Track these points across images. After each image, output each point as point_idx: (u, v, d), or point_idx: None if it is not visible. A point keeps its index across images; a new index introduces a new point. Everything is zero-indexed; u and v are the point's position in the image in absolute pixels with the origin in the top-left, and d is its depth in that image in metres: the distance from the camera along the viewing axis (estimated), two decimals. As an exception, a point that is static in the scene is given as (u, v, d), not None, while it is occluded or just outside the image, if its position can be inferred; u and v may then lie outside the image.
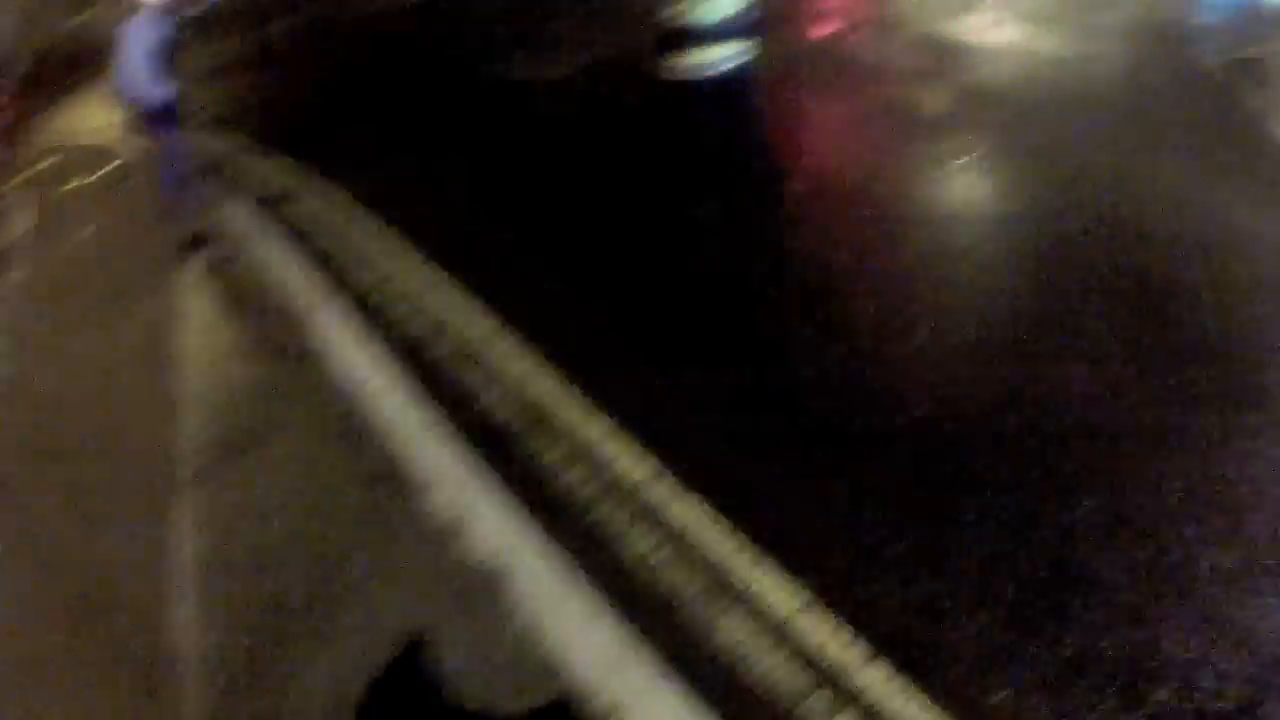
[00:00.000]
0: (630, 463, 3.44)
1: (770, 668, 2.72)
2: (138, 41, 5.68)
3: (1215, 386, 3.94)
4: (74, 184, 9.17)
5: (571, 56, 7.75)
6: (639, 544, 3.14)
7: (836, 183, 5.56)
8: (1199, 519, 3.07)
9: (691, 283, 4.44)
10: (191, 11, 13.01)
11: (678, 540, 3.14)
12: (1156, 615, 2.76)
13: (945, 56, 7.78)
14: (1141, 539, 3.01)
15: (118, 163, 9.01)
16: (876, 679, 2.64)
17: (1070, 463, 3.44)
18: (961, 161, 6.12)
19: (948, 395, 3.82)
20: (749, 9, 4.46)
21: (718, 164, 5.04)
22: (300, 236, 6.02)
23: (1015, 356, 4.19)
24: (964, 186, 5.96)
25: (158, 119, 5.94)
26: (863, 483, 3.26)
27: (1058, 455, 3.48)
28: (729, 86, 4.61)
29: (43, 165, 10.37)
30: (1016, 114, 7.11)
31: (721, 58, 4.49)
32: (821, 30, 7.54)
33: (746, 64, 4.71)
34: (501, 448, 3.67)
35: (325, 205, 6.36)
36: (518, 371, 4.09)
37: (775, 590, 2.94)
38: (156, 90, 5.77)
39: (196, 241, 6.11)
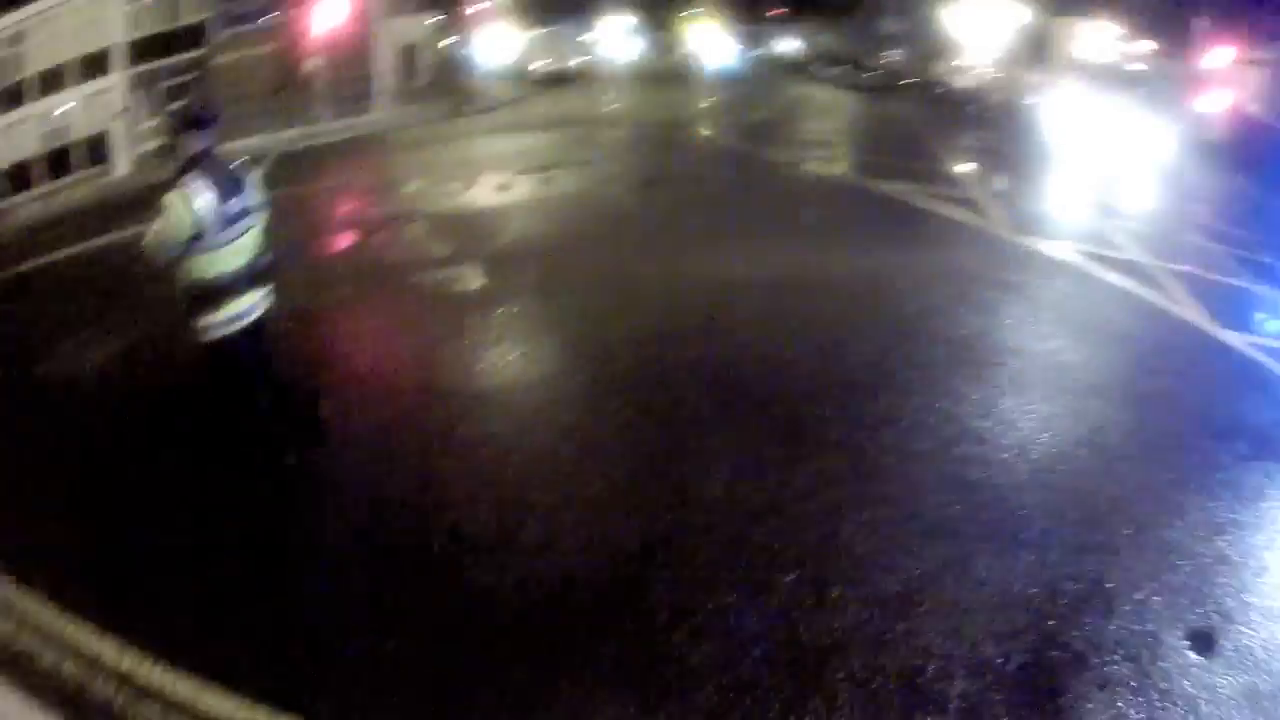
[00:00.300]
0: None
1: None
2: None
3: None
4: None
5: (100, 345, 6.50)
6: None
7: (399, 382, 5.47)
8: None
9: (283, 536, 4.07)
10: None
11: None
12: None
13: (468, 231, 7.98)
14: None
15: None
16: None
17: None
18: (510, 322, 6.22)
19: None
20: (262, 249, 4.10)
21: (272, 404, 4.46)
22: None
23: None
24: (523, 346, 6.03)
25: None
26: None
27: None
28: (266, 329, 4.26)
29: None
30: (551, 260, 7.43)
31: (253, 303, 4.12)
32: (343, 242, 7.48)
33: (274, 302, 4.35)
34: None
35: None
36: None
37: None
38: None
39: None
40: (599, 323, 6.48)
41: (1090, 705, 2.99)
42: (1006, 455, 4.73)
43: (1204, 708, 3.02)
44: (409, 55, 21.25)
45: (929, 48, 34.00)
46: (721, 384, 5.49)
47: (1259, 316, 7.14)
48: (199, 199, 3.82)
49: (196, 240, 3.84)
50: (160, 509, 4.13)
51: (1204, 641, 3.36)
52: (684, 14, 42.79)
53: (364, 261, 7.63)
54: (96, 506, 4.22)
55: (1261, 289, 8.18)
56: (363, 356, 6.03)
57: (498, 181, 11.00)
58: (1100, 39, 26.29)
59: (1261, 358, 6.35)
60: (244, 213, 4.03)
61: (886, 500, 4.23)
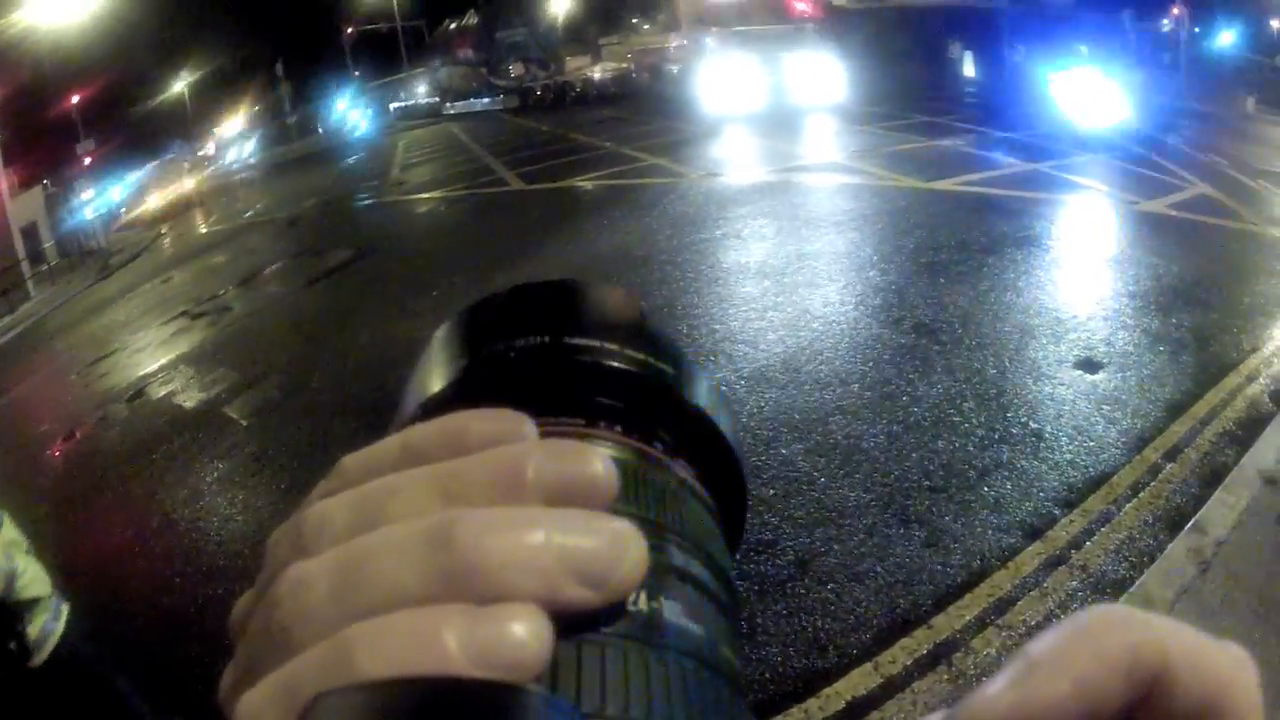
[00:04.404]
0: None
1: None
2: None
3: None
4: None
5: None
6: None
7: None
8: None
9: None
10: None
11: None
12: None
13: (180, 387, 7.41)
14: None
15: None
16: None
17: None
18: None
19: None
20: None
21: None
22: None
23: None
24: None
25: None
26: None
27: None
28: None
29: None
30: (277, 382, 6.73)
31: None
32: (59, 445, 6.63)
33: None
34: None
35: None
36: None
37: None
38: None
39: None
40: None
41: (1051, 426, 3.87)
42: (859, 298, 5.64)
43: (1123, 397, 4.06)
44: (33, 232, 19.47)
45: (555, 47, 33.99)
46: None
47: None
48: None
49: None
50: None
51: (1088, 365, 4.38)
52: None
53: (86, 456, 6.44)
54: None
55: (939, 143, 10.00)
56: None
57: (176, 328, 9.79)
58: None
59: (968, 189, 7.94)
60: None
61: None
